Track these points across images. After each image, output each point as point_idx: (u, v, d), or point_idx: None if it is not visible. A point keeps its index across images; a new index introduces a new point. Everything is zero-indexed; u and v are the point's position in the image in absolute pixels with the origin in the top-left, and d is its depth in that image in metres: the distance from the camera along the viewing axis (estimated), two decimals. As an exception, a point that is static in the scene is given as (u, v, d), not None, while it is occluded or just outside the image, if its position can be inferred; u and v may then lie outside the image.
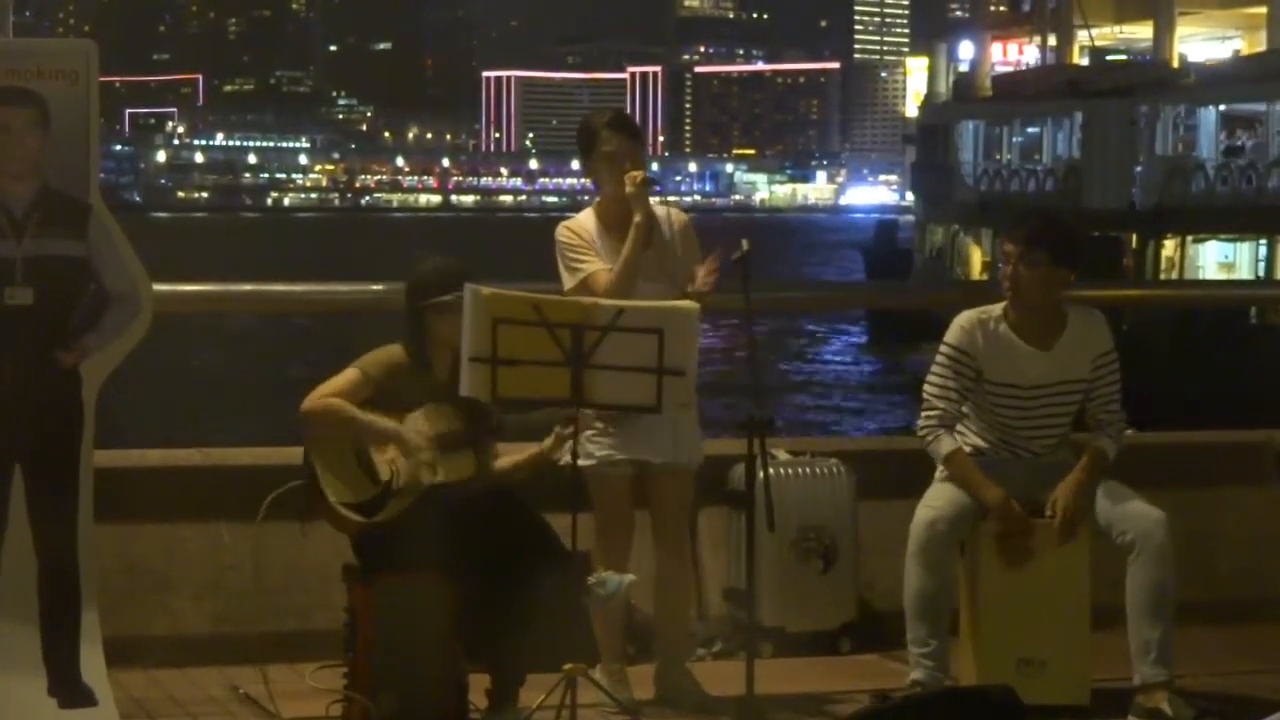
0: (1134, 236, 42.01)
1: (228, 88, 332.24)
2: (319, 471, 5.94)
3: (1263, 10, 47.43)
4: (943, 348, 6.58)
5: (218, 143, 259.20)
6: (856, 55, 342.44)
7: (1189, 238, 41.79)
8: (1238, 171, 41.92)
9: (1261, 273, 40.14)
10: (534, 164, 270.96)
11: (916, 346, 34.41)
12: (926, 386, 6.60)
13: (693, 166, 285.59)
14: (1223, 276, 40.70)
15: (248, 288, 8.14)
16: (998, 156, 51.26)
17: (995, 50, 57.82)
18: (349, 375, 6.04)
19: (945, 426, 6.54)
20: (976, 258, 47.66)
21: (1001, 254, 6.71)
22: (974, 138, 51.71)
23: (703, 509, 7.37)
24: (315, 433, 5.98)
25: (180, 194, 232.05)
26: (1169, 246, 41.93)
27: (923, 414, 6.57)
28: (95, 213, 5.89)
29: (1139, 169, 43.58)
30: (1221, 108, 44.06)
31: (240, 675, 6.52)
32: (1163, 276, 40.61)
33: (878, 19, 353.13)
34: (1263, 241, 40.53)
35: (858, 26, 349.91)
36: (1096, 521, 6.47)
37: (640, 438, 6.38)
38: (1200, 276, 40.94)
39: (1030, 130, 50.66)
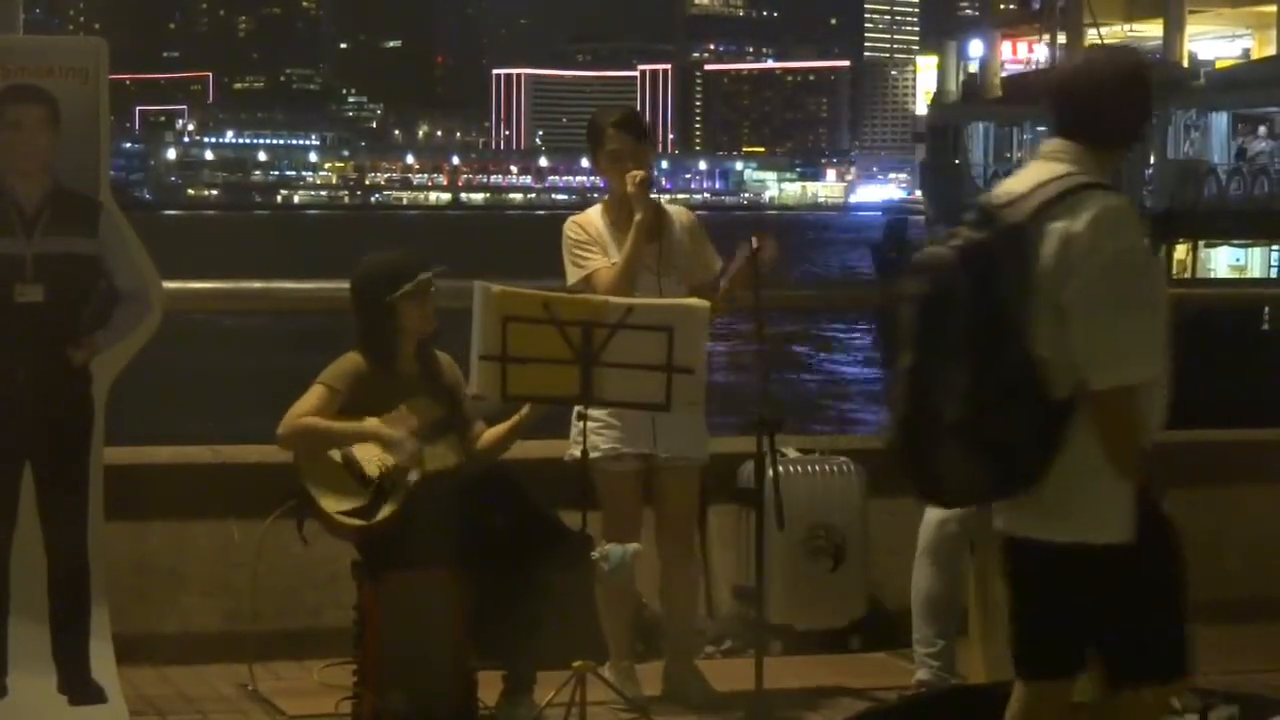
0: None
1: (238, 85, 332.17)
2: (310, 488, 5.96)
3: (1273, 9, 47.35)
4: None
5: (228, 140, 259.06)
6: (866, 53, 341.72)
7: (1200, 242, 41.69)
8: (1249, 176, 41.83)
9: (1273, 278, 40.06)
10: (544, 162, 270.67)
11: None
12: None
13: (703, 164, 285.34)
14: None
15: (258, 285, 8.16)
16: (1008, 157, 51.11)
17: (1005, 49, 57.76)
18: (316, 392, 6.06)
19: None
20: (986, 258, 47.42)
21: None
22: (983, 139, 51.58)
23: (713, 507, 7.38)
24: (297, 453, 6.03)
25: (190, 192, 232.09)
26: (1180, 250, 41.79)
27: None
28: (106, 210, 5.91)
29: (1150, 172, 43.46)
30: (1234, 111, 43.95)
31: (250, 673, 6.53)
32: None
33: (888, 17, 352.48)
34: (1275, 247, 40.42)
35: (868, 24, 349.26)
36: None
37: (645, 432, 6.40)
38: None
39: (1040, 130, 50.46)
